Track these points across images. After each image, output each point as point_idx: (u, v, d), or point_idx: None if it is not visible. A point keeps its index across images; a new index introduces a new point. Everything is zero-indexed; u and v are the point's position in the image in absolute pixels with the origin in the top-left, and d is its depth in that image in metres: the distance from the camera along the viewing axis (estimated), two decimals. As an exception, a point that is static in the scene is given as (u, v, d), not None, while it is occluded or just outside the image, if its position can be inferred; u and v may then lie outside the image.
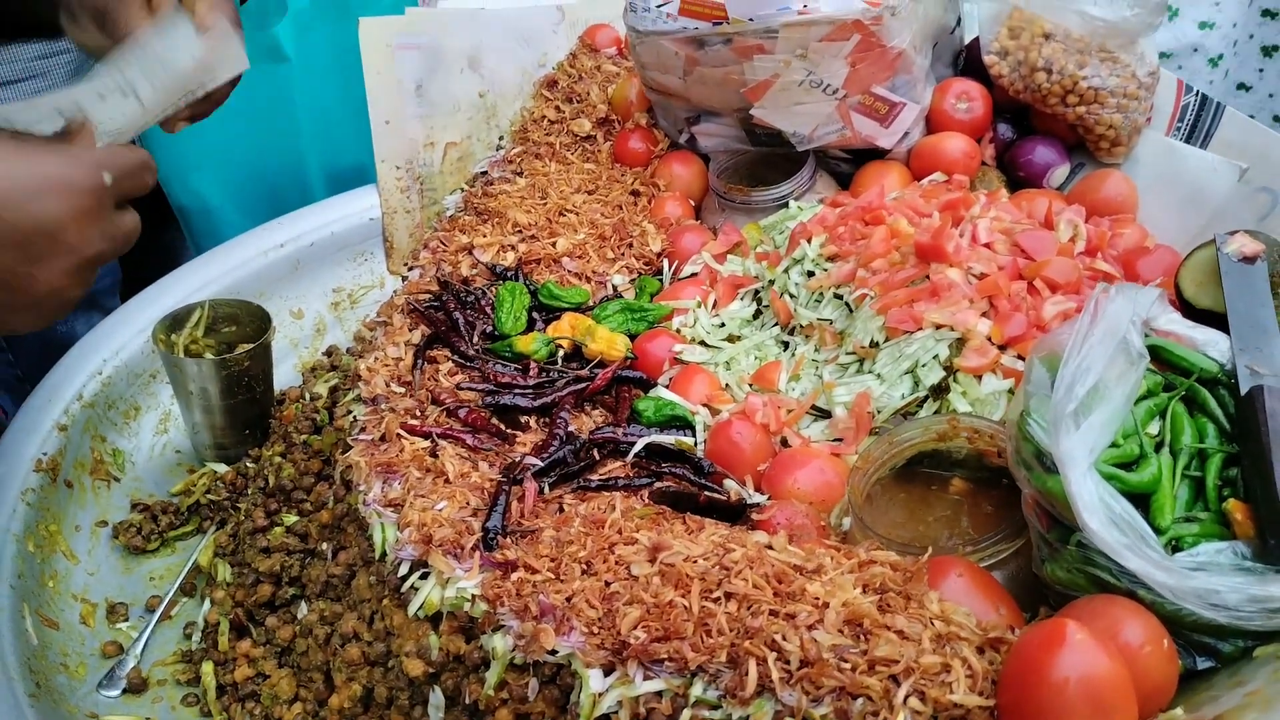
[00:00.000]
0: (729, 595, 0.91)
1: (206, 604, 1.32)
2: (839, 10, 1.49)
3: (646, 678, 0.88)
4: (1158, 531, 0.85)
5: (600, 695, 0.89)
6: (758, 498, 1.18)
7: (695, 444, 1.28)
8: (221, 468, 1.58)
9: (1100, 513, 0.82)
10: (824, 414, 1.27)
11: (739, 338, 1.43)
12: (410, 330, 1.42)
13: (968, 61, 1.75)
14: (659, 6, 1.62)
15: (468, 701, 1.00)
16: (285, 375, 1.78)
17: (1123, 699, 0.76)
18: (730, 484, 1.21)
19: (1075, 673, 0.76)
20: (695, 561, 0.96)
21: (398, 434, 1.22)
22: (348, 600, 1.19)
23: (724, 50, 1.55)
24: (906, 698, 0.79)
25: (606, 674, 0.91)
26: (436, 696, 1.03)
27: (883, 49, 1.50)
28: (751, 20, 1.51)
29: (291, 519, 1.36)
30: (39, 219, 0.83)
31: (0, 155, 0.84)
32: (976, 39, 1.71)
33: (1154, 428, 0.96)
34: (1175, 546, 0.86)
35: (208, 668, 1.24)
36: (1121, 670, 0.77)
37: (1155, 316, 1.02)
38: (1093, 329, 0.91)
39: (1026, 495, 0.94)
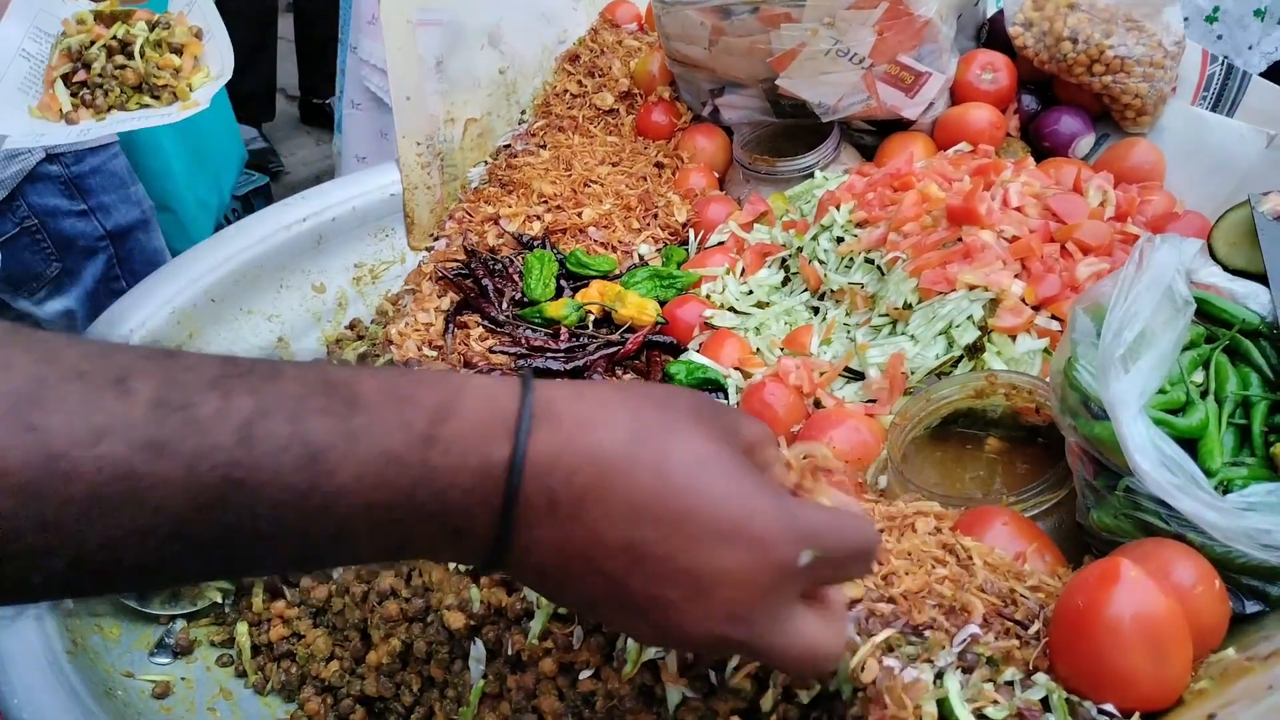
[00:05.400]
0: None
1: (239, 567, 1.32)
2: (867, -22, 1.49)
3: (694, 623, 0.88)
4: (1207, 474, 0.85)
5: (647, 641, 0.89)
6: (792, 458, 1.18)
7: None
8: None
9: (1151, 455, 0.82)
10: (857, 376, 1.28)
11: (768, 304, 1.43)
12: (439, 297, 1.42)
13: (990, 34, 1.75)
14: (685, -24, 1.62)
15: (510, 653, 1.00)
16: (309, 349, 1.77)
17: (1178, 637, 0.77)
18: (764, 445, 1.21)
19: (1130, 610, 0.76)
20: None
21: (432, 395, 1.22)
22: (384, 559, 1.19)
23: (750, 19, 1.56)
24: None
25: (653, 621, 0.91)
26: (478, 649, 1.03)
27: (910, 17, 1.50)
28: (779, -12, 1.51)
29: (323, 482, 1.36)
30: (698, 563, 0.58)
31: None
32: (1000, 12, 1.71)
33: (1198, 377, 0.96)
34: (1225, 489, 0.86)
35: (242, 628, 1.24)
36: (1176, 608, 0.77)
37: (1195, 269, 1.02)
38: (1139, 277, 0.91)
39: (1071, 444, 0.94)
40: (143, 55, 1.25)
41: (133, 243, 1.96)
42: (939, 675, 0.78)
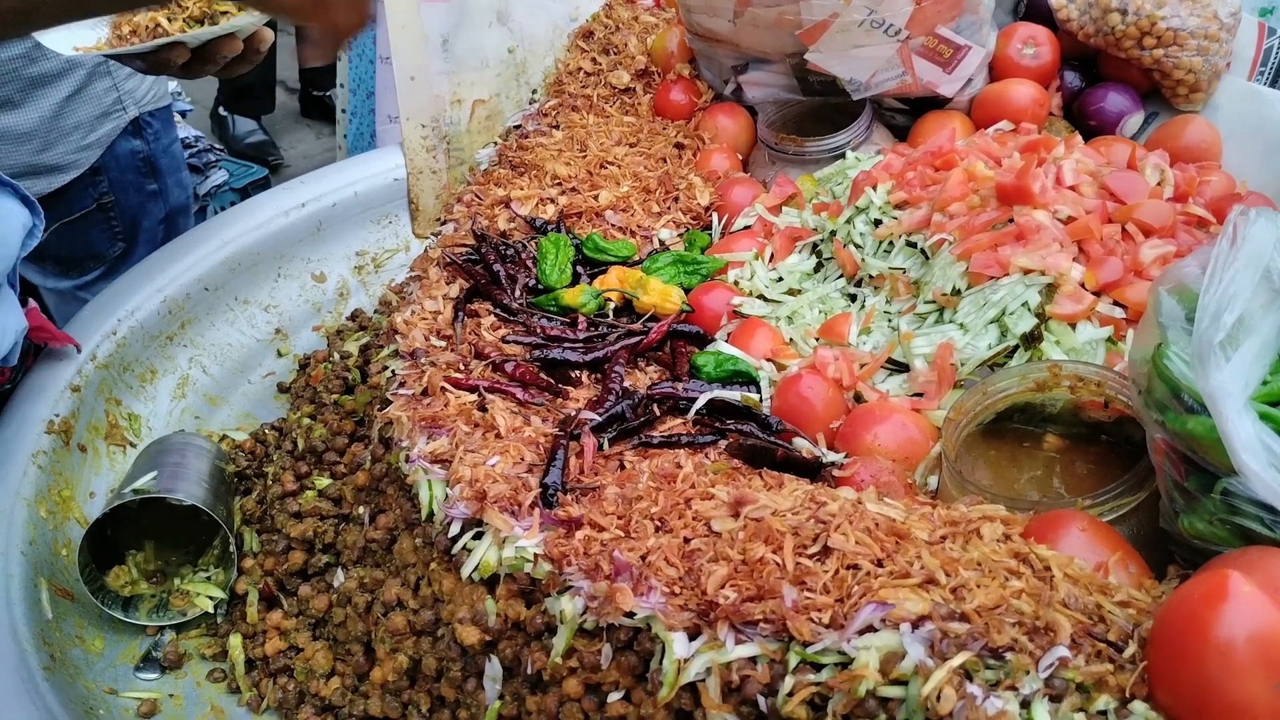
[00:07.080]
0: (828, 550, 0.82)
1: (233, 574, 1.22)
2: (905, -57, 1.39)
3: (739, 641, 0.79)
4: (1319, 476, 0.76)
5: (686, 662, 0.80)
6: (832, 456, 1.09)
7: (760, 400, 1.18)
8: (240, 435, 1.48)
9: (1260, 454, 0.72)
10: (900, 368, 1.18)
11: (799, 291, 1.34)
12: (447, 284, 1.33)
13: (1031, 7, 1.65)
14: (708, -56, 1.52)
15: (530, 672, 0.91)
16: (308, 340, 1.69)
17: (1298, 660, 0.67)
18: (801, 442, 1.12)
19: (1244, 630, 0.66)
20: (784, 516, 0.87)
21: (441, 387, 1.13)
22: (389, 566, 1.09)
23: (779, -11, 1.46)
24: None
25: (691, 638, 0.81)
26: (493, 667, 0.94)
27: (950, -15, 1.41)
28: (810, -45, 1.42)
29: (324, 482, 1.26)
30: None
31: None
32: (1040, -16, 1.62)
33: (1294, 367, 0.86)
34: (1340, 492, 0.76)
35: (235, 641, 1.15)
36: (1295, 627, 0.67)
37: (1286, 249, 0.92)
38: (1234, 255, 0.82)
39: (1157, 441, 0.84)
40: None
41: (174, 227, 1.90)
42: (1024, 704, 0.68)
